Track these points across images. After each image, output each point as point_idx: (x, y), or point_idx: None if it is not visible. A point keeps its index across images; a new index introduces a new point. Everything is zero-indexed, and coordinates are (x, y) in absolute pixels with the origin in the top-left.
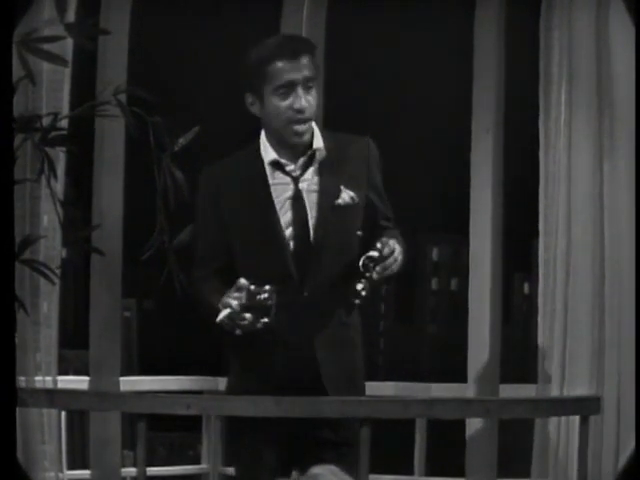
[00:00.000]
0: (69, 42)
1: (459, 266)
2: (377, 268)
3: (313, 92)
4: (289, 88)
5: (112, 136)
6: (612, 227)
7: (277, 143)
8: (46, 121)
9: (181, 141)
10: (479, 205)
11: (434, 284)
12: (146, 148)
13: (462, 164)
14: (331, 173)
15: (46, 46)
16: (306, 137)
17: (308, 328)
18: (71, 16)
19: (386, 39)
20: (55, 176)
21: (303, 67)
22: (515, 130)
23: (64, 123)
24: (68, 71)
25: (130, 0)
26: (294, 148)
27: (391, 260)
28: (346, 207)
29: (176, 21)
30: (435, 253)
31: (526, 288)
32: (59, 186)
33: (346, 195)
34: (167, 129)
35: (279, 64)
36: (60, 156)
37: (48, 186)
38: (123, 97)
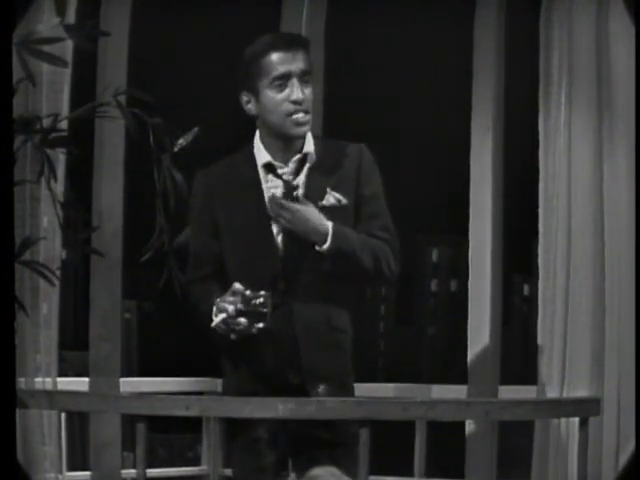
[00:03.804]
0: (69, 43)
1: (459, 267)
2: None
3: (309, 87)
4: (285, 80)
5: (112, 137)
6: (612, 227)
7: (273, 141)
8: (46, 122)
9: (181, 142)
10: (479, 205)
11: (434, 285)
12: (146, 149)
13: (462, 164)
14: (319, 176)
15: (46, 47)
16: (306, 128)
17: (294, 330)
18: (71, 17)
19: (386, 39)
20: (55, 177)
21: (298, 59)
22: (515, 129)
23: (64, 124)
24: (68, 72)
25: (130, 1)
26: (288, 143)
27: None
28: (331, 209)
29: (175, 22)
30: (435, 254)
31: (526, 289)
32: (59, 187)
33: (331, 197)
34: (167, 130)
35: (274, 56)
36: (60, 157)
37: (48, 187)
38: (123, 98)
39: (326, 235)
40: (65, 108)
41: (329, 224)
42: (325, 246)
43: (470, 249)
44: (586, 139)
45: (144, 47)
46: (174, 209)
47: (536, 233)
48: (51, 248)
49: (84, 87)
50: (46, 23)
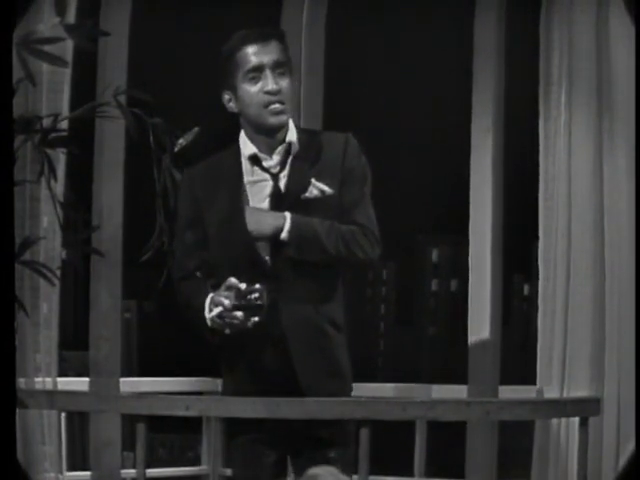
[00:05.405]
0: (69, 43)
1: (459, 267)
2: None
3: (286, 78)
4: (258, 72)
5: (112, 137)
6: (612, 227)
7: (255, 134)
8: (46, 122)
9: (181, 142)
10: (479, 205)
11: (434, 285)
12: (146, 149)
13: (462, 164)
14: (302, 166)
15: (46, 47)
16: (283, 117)
17: (282, 327)
18: (71, 17)
19: (386, 39)
20: (55, 177)
21: (272, 51)
22: (515, 130)
23: (64, 124)
24: (68, 72)
25: (130, 1)
26: (271, 135)
27: None
28: (315, 200)
29: (176, 22)
30: (435, 254)
31: (526, 289)
32: (59, 187)
33: (314, 188)
34: (167, 130)
35: (247, 49)
36: (60, 157)
37: (48, 187)
38: (123, 98)
39: (283, 222)
40: (65, 108)
41: (287, 214)
42: (284, 233)
43: (470, 249)
44: (586, 139)
45: (144, 47)
46: (174, 209)
47: (536, 233)
48: (51, 248)
49: (84, 87)
50: (46, 23)
